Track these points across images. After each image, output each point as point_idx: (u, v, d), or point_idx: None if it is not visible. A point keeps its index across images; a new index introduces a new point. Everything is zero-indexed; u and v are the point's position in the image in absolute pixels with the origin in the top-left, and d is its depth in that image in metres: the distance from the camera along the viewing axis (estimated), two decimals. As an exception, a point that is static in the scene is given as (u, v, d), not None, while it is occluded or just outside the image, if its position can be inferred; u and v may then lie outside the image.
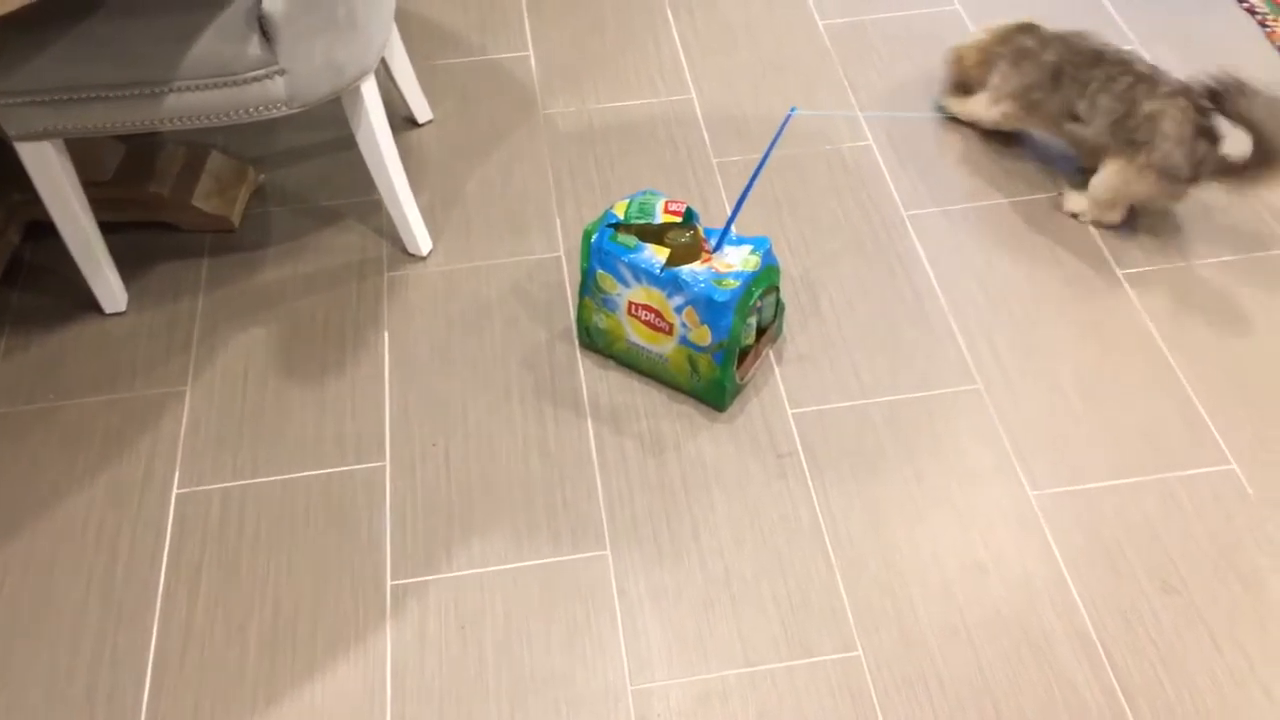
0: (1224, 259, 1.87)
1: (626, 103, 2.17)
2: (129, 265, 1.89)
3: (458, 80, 2.22)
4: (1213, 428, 1.65)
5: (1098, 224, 1.91)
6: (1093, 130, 1.83)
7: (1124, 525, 1.54)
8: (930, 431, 1.66)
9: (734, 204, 1.97)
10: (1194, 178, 1.77)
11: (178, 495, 1.61)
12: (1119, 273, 1.86)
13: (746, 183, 1.60)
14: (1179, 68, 2.19)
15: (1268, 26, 2.28)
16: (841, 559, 1.52)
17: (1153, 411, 1.67)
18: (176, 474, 1.64)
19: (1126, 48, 1.90)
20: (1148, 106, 1.77)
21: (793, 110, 1.60)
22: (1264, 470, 1.60)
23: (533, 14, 2.36)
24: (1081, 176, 1.92)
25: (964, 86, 2.09)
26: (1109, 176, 1.83)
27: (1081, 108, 1.84)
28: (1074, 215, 1.92)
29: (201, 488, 1.62)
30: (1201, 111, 1.76)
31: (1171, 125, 1.74)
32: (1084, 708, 1.38)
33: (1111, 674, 1.41)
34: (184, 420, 1.70)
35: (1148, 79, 1.80)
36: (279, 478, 1.62)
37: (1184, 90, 1.77)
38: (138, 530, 1.57)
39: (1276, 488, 1.58)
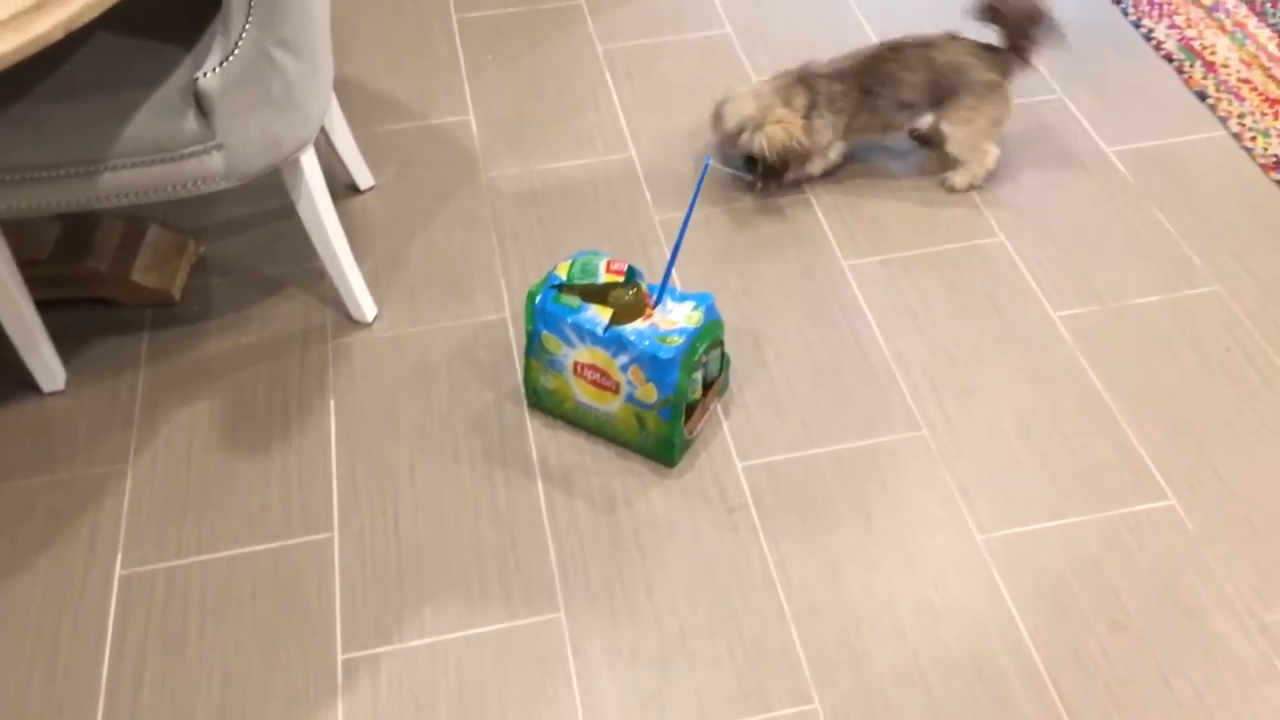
0: (1150, 298, 1.92)
1: (568, 163, 2.20)
2: (68, 342, 1.87)
3: (399, 146, 2.24)
4: (1150, 464, 1.68)
5: (986, 175, 2.09)
6: (921, 105, 2.04)
7: (1070, 564, 1.57)
8: (878, 479, 1.67)
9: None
10: (1009, 76, 2.04)
11: (121, 576, 1.58)
12: (1054, 315, 1.90)
13: (676, 238, 1.62)
14: (1099, 112, 2.27)
15: (1184, 73, 2.37)
16: (795, 610, 1.53)
17: (1092, 450, 1.70)
18: (119, 554, 1.61)
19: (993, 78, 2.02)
20: (941, 59, 2.01)
21: (708, 160, 1.63)
22: (1201, 504, 1.63)
23: (473, 78, 2.39)
24: (937, 162, 2.15)
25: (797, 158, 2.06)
26: (959, 127, 2.04)
27: (905, 95, 2.02)
28: (970, 188, 2.10)
29: (145, 568, 1.59)
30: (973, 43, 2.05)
31: (968, 56, 2.01)
32: (1040, 749, 1.39)
33: (1064, 713, 1.42)
34: (126, 499, 1.67)
35: (923, 43, 2.03)
36: (225, 554, 1.60)
37: (951, 34, 2.05)
38: (80, 614, 1.54)
39: (1214, 521, 1.61)
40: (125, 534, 1.63)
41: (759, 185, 2.09)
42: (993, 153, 2.07)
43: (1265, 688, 1.44)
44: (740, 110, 2.02)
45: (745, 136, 2.00)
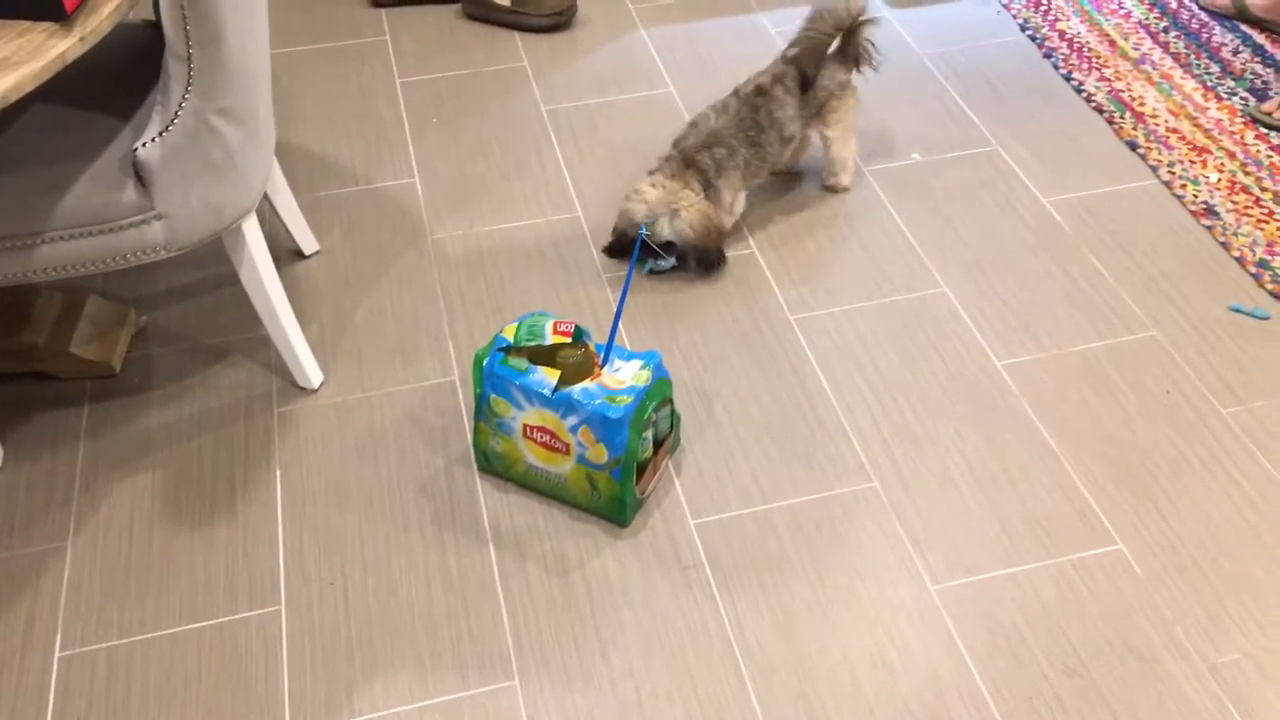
0: (1092, 345, 1.96)
1: (514, 224, 2.20)
2: (4, 418, 1.83)
3: (344, 210, 2.23)
4: (1097, 509, 1.70)
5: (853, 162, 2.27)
6: (799, 132, 2.15)
7: (1022, 612, 1.57)
8: (831, 532, 1.68)
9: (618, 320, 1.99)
10: (851, 70, 2.19)
11: (60, 658, 1.53)
12: (998, 364, 1.93)
13: (617, 306, 1.62)
14: (1034, 163, 2.32)
15: (1115, 123, 2.43)
16: (751, 668, 1.52)
17: (1040, 497, 1.72)
18: (58, 636, 1.56)
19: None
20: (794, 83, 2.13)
21: (642, 229, 1.64)
22: (1148, 548, 1.65)
23: (417, 141, 2.40)
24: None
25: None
26: (837, 127, 2.19)
27: (787, 130, 2.11)
28: (850, 181, 2.27)
29: (86, 648, 1.54)
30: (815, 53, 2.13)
31: (822, 65, 2.13)
32: (1000, 802, 1.38)
33: (1023, 764, 1.42)
34: (65, 577, 1.63)
35: (778, 77, 2.10)
36: (168, 631, 1.56)
37: (786, 59, 2.15)
38: (18, 700, 1.49)
39: (1161, 564, 1.63)
40: (64, 614, 1.58)
41: (698, 268, 2.09)
42: (853, 142, 2.26)
43: (1219, 730, 1.45)
44: (648, 201, 2.02)
45: (663, 225, 2.01)
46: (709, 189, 2.04)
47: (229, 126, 1.56)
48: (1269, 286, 2.05)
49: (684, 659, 1.53)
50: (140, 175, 1.53)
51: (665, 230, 2.01)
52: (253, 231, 1.72)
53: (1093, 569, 1.62)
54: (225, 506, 1.71)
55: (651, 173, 2.07)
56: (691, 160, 2.04)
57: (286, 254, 2.12)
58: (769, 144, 2.09)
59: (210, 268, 2.10)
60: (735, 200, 2.10)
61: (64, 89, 1.67)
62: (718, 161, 2.04)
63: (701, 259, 2.06)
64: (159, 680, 1.51)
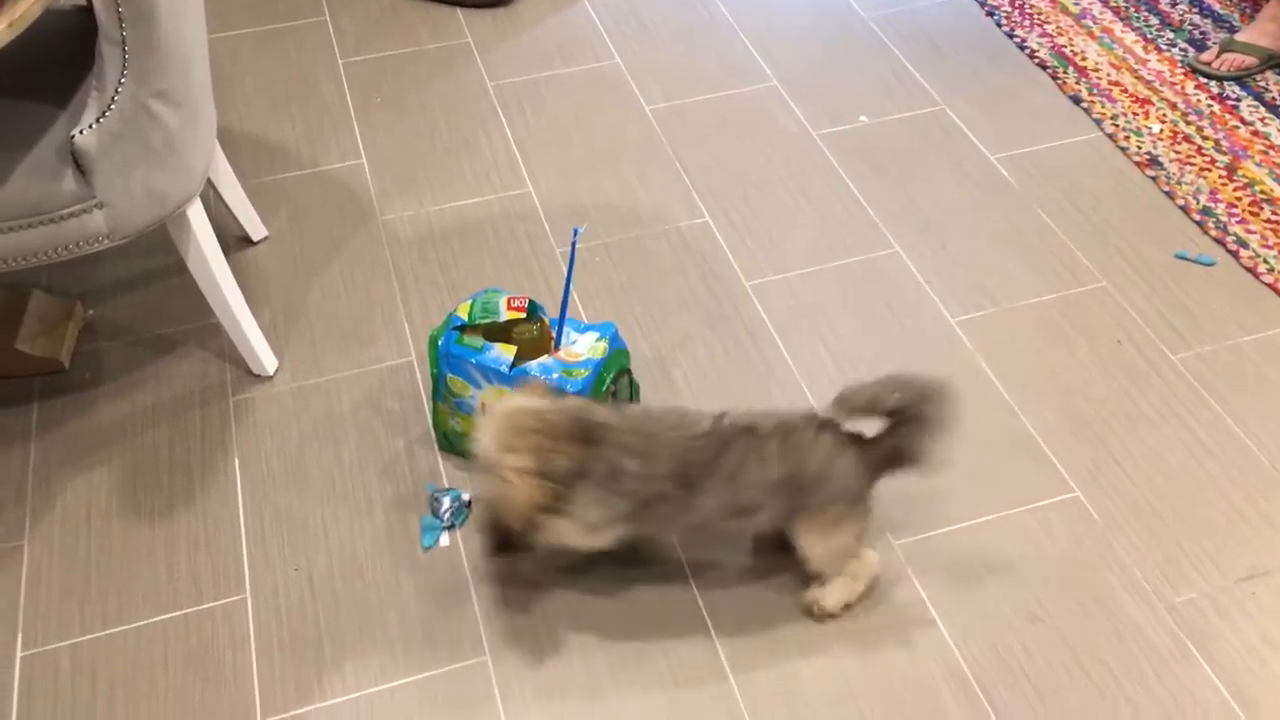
0: (1043, 297, 1.98)
1: (465, 201, 2.18)
2: (-49, 419, 1.79)
3: (290, 194, 2.20)
4: (1054, 458, 1.73)
5: (869, 586, 1.54)
6: (764, 511, 1.43)
7: (984, 563, 1.60)
8: (793, 494, 1.69)
9: (572, 295, 1.99)
10: (875, 479, 1.46)
11: (22, 659, 1.51)
12: (952, 320, 1.94)
13: (562, 299, 1.60)
14: (981, 121, 2.33)
15: (1058, 79, 2.45)
16: (721, 630, 1.53)
17: (998, 449, 1.74)
18: (19, 636, 1.54)
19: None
20: (808, 456, 1.41)
21: (576, 231, 1.63)
22: (1104, 494, 1.68)
23: (362, 121, 2.37)
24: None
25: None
26: (819, 543, 1.47)
27: (746, 496, 1.41)
28: (847, 607, 1.54)
29: (48, 647, 1.52)
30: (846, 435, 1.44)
31: (839, 452, 1.42)
32: (969, 749, 1.41)
33: (990, 712, 1.44)
34: (23, 577, 1.60)
35: (785, 427, 1.42)
36: (131, 626, 1.54)
37: (819, 417, 1.45)
38: (-21, 702, 1.47)
39: (1117, 509, 1.66)
40: (24, 613, 1.56)
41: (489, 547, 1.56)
42: (870, 559, 1.53)
43: (1178, 667, 1.48)
44: (482, 439, 1.39)
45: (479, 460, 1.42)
46: (574, 484, 1.37)
47: (167, 110, 1.53)
48: (1213, 233, 2.09)
49: (653, 624, 1.53)
50: (79, 163, 1.49)
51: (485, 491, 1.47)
52: (198, 218, 1.69)
53: (1051, 517, 1.65)
54: (184, 497, 1.69)
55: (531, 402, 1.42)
56: (591, 431, 1.37)
57: (234, 240, 2.09)
58: (704, 499, 1.39)
59: (157, 257, 2.06)
60: (599, 532, 1.43)
61: (-6, 79, 1.63)
62: (617, 469, 1.37)
63: (501, 535, 1.48)
64: (125, 676, 1.49)
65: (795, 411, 1.45)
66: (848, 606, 1.53)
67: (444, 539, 1.63)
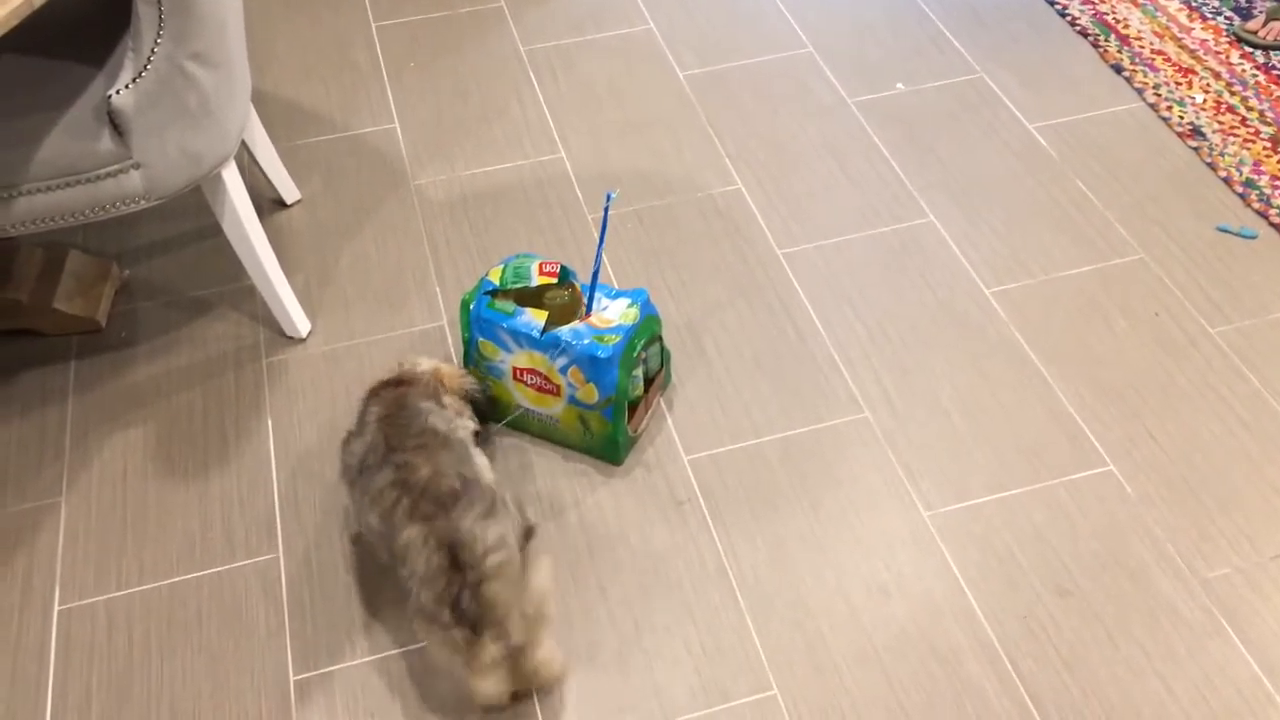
0: (1081, 269, 1.95)
1: (497, 166, 2.18)
2: (-9, 376, 1.82)
3: (323, 158, 2.20)
4: (1088, 431, 1.71)
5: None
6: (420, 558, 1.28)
7: (1015, 535, 1.59)
8: (824, 463, 1.68)
9: (604, 261, 1.99)
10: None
11: (60, 612, 1.54)
12: (986, 291, 1.92)
13: (594, 265, 1.60)
14: (1019, 90, 2.30)
15: (1100, 47, 2.41)
16: (749, 599, 1.53)
17: (1031, 422, 1.73)
18: (57, 590, 1.56)
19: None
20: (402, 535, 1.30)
21: (609, 196, 1.62)
22: (1138, 468, 1.66)
23: (395, 86, 2.36)
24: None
25: None
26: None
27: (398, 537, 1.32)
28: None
29: (85, 601, 1.55)
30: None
31: (419, 559, 1.28)
32: (995, 718, 1.40)
33: (1019, 682, 1.44)
34: (61, 532, 1.63)
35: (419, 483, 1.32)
36: (167, 582, 1.56)
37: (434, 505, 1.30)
38: (20, 654, 1.50)
39: (1152, 483, 1.64)
40: (62, 569, 1.58)
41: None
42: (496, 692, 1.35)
43: (1210, 643, 1.47)
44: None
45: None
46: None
47: (203, 71, 1.54)
48: (1255, 205, 2.05)
49: (682, 593, 1.54)
50: (115, 123, 1.50)
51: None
52: (233, 179, 1.70)
53: (1084, 490, 1.64)
54: (218, 457, 1.71)
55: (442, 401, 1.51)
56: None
57: (268, 203, 2.09)
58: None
59: (191, 219, 2.08)
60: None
61: (32, 39, 1.64)
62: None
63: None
64: (159, 630, 1.51)
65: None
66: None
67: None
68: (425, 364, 1.57)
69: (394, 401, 1.46)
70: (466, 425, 1.51)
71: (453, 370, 1.59)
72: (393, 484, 1.34)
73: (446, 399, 1.53)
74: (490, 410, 1.67)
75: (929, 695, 1.43)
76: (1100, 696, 1.42)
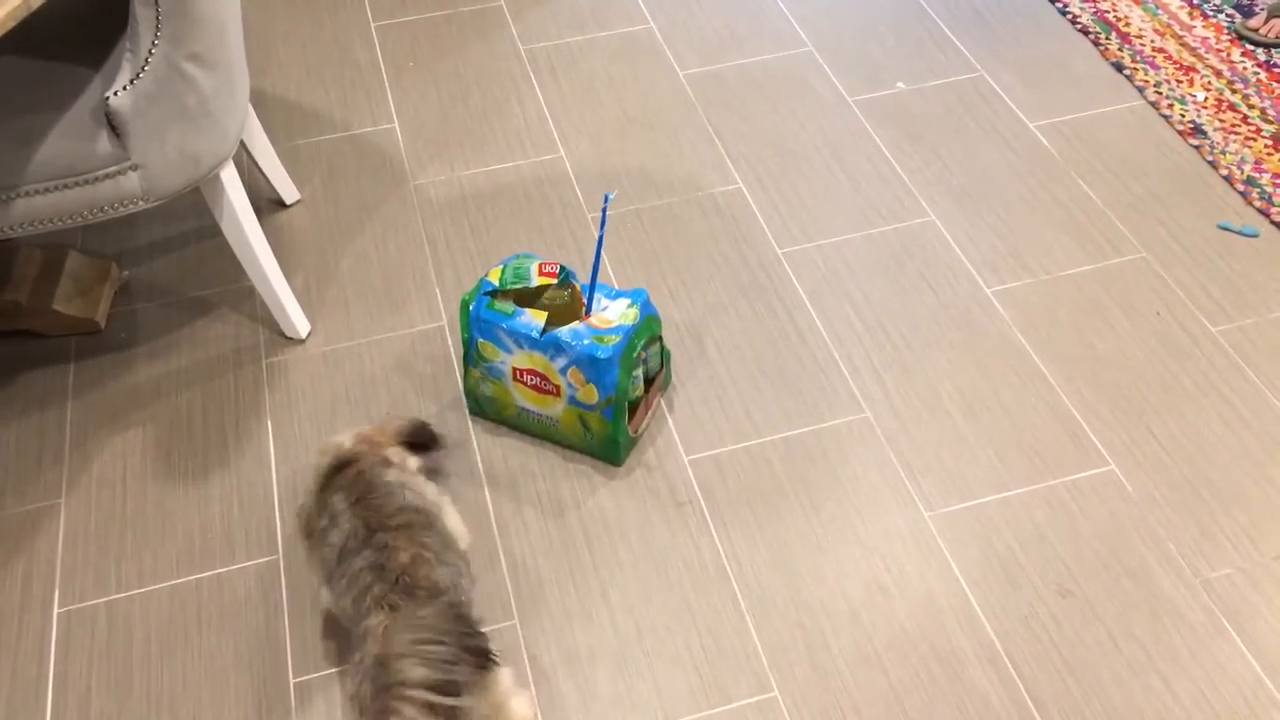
0: (1082, 268, 1.95)
1: (497, 166, 2.18)
2: (-10, 378, 1.82)
3: (323, 158, 2.20)
4: (1089, 431, 1.71)
5: None
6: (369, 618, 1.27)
7: (1016, 535, 1.58)
8: (824, 464, 1.68)
9: (603, 261, 1.98)
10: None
11: (59, 615, 1.54)
12: (988, 291, 1.92)
13: (593, 265, 1.59)
14: (1020, 88, 2.29)
15: (1100, 45, 2.40)
16: (749, 600, 1.53)
17: (1032, 421, 1.72)
18: (56, 592, 1.56)
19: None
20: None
21: (608, 196, 1.62)
22: (1139, 468, 1.66)
23: (395, 86, 2.36)
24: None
25: None
26: None
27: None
28: None
29: (85, 604, 1.55)
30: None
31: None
32: (996, 719, 1.40)
33: (1019, 683, 1.43)
34: (61, 534, 1.62)
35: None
36: (167, 584, 1.56)
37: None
38: (19, 656, 1.49)
39: (1153, 483, 1.64)
40: (62, 571, 1.58)
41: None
42: None
43: (1212, 643, 1.47)
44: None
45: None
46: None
47: (201, 72, 1.53)
48: (1257, 204, 2.05)
49: (682, 594, 1.54)
50: (113, 125, 1.50)
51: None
52: (231, 180, 1.70)
53: (1085, 490, 1.63)
54: (218, 458, 1.71)
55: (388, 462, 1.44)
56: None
57: (267, 204, 2.09)
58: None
59: (191, 219, 2.07)
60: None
61: (30, 40, 1.63)
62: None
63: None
64: (160, 633, 1.51)
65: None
66: None
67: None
68: (345, 438, 1.46)
69: (356, 482, 1.38)
70: (423, 484, 1.45)
71: (370, 428, 1.49)
72: (370, 567, 1.28)
73: (389, 453, 1.45)
74: (423, 431, 1.59)
75: (929, 696, 1.43)
76: (1101, 697, 1.42)
